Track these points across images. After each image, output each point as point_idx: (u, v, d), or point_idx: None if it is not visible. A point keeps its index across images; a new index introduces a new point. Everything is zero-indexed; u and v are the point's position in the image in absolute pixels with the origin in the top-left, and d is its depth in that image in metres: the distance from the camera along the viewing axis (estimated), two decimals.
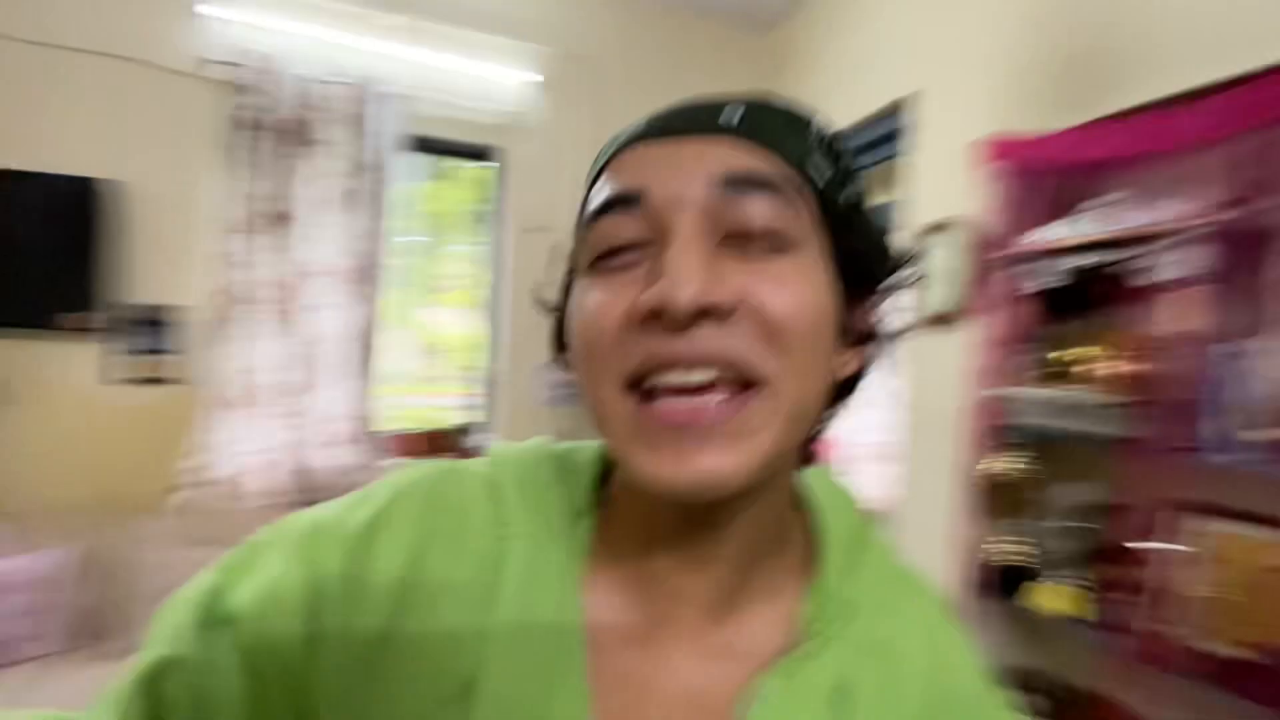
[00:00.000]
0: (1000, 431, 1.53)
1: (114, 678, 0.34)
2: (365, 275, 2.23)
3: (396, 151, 2.30)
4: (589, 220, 0.33)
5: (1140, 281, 1.30)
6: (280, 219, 2.13)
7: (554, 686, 0.32)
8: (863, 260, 0.35)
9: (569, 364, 0.37)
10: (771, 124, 0.33)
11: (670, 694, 0.34)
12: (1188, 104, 1.25)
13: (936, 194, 1.87)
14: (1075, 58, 1.50)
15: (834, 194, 0.33)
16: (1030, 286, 1.51)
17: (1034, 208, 1.58)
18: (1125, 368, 1.32)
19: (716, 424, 0.29)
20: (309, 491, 2.17)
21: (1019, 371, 1.52)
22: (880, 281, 0.36)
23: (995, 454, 1.53)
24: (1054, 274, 1.47)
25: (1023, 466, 1.52)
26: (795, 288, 0.30)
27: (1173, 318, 1.28)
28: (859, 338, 0.36)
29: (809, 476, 0.40)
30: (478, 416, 2.65)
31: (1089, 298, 1.47)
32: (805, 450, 0.37)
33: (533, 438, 0.44)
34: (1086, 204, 1.41)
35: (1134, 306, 1.36)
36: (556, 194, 2.50)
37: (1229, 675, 1.09)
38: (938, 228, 1.84)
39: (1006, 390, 1.51)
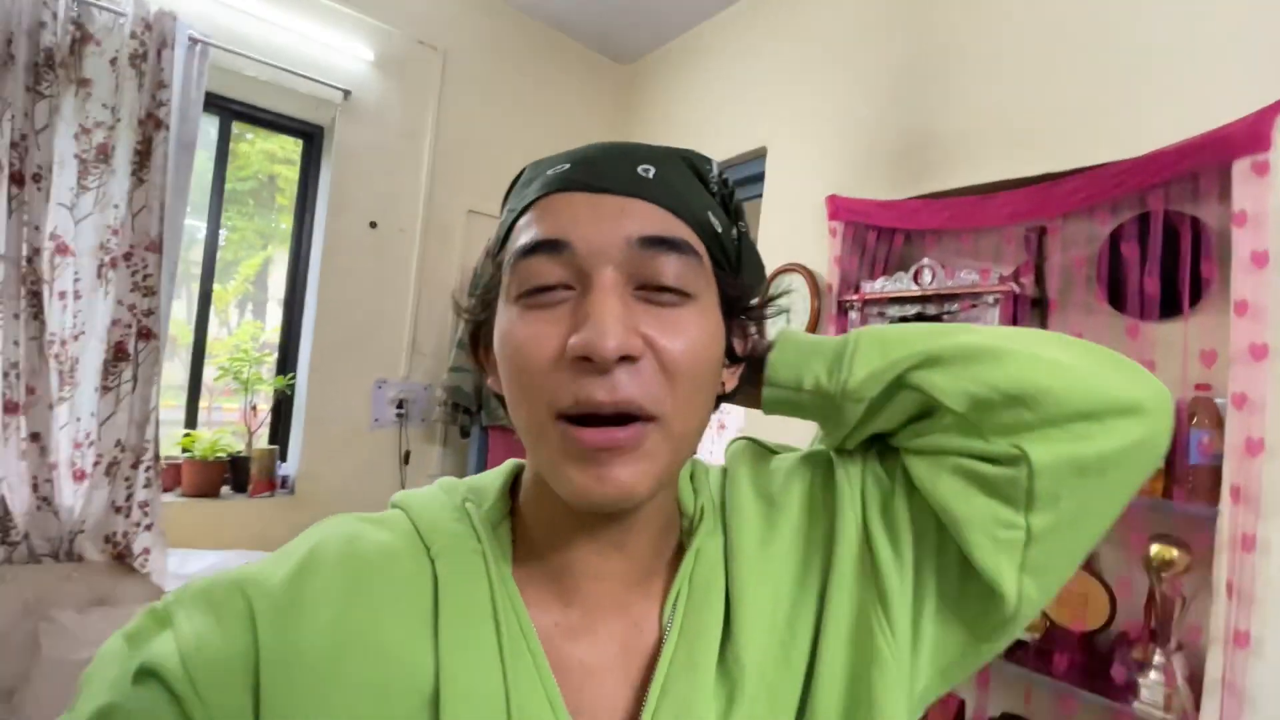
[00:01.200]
0: None
1: None
2: (139, 259, 1.77)
3: (191, 110, 1.88)
4: (518, 256, 0.37)
5: None
6: (23, 179, 1.60)
7: (518, 679, 0.35)
8: (745, 292, 0.43)
9: (486, 368, 0.44)
10: (680, 184, 0.39)
11: (607, 644, 0.40)
12: (990, 194, 1.57)
13: (783, 241, 2.09)
14: (908, 139, 1.80)
15: (726, 238, 0.41)
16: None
17: (869, 261, 1.86)
18: None
19: (626, 447, 0.35)
20: (53, 539, 1.65)
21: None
22: (757, 308, 0.45)
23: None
24: (885, 318, 1.74)
25: None
26: (690, 335, 0.37)
27: None
28: (739, 357, 0.45)
29: None
30: (273, 438, 2.25)
31: None
32: None
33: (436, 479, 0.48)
34: (911, 263, 1.69)
35: None
36: (380, 184, 2.26)
37: (1009, 652, 1.38)
38: (783, 271, 2.06)
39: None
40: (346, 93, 2.17)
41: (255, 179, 2.68)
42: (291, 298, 2.29)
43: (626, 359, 0.34)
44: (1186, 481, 1.28)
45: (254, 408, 2.17)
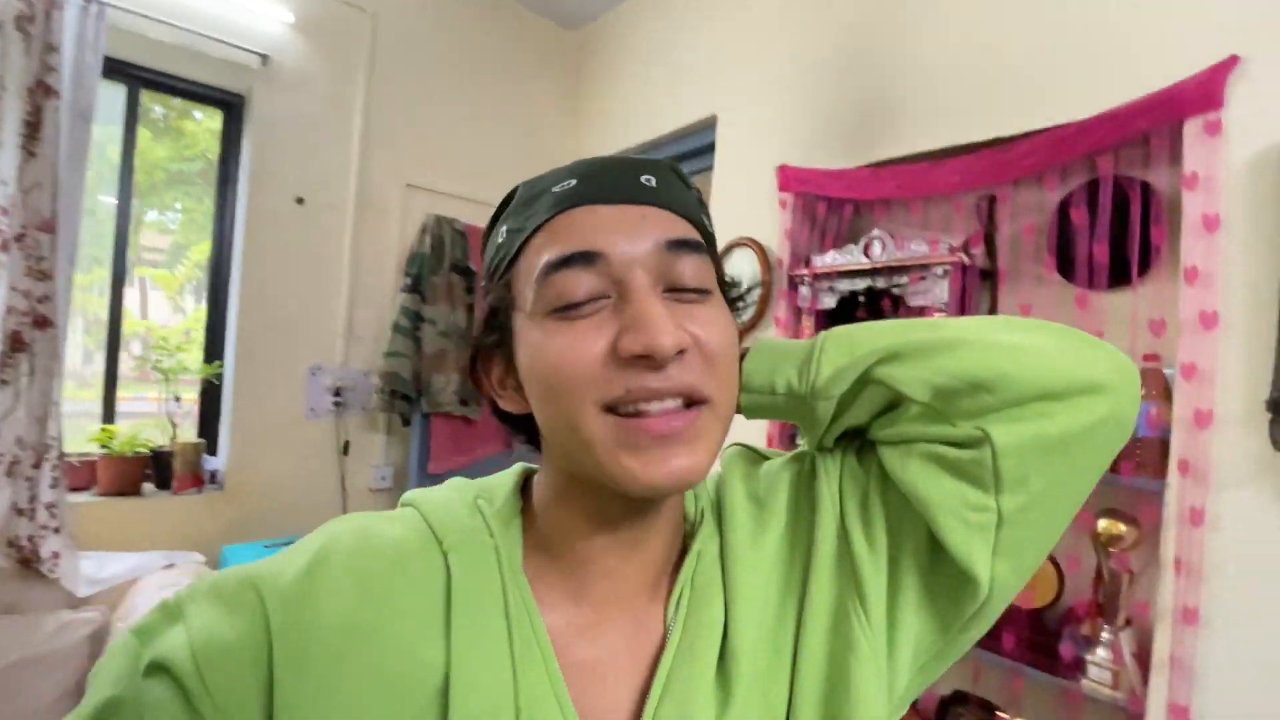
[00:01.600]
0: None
1: None
2: (32, 241, 1.61)
3: (87, 77, 1.71)
4: (548, 270, 0.38)
5: (906, 304, 1.55)
6: None
7: (527, 676, 0.36)
8: (731, 287, 0.46)
9: (492, 392, 0.45)
10: (678, 192, 0.42)
11: (614, 640, 0.41)
12: (939, 160, 1.51)
13: (734, 213, 2.01)
14: (857, 107, 1.72)
15: (714, 239, 0.45)
16: (817, 302, 1.70)
17: (819, 233, 1.79)
18: None
19: (683, 433, 0.36)
20: None
21: None
22: (738, 300, 0.48)
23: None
24: (835, 292, 1.68)
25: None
26: (719, 326, 0.39)
27: None
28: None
29: None
30: (202, 431, 2.12)
31: (867, 314, 1.71)
32: None
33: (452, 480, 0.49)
34: (862, 234, 1.63)
35: None
36: (306, 156, 2.11)
37: None
38: (735, 246, 1.98)
39: None
40: (264, 58, 2.02)
41: (204, 159, 2.51)
42: (216, 280, 2.15)
43: (679, 352, 0.36)
44: (1134, 455, 1.25)
45: (178, 399, 2.04)
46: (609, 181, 0.40)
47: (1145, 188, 1.29)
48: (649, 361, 0.35)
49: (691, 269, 0.39)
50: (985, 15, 1.48)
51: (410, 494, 0.46)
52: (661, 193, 0.40)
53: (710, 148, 2.15)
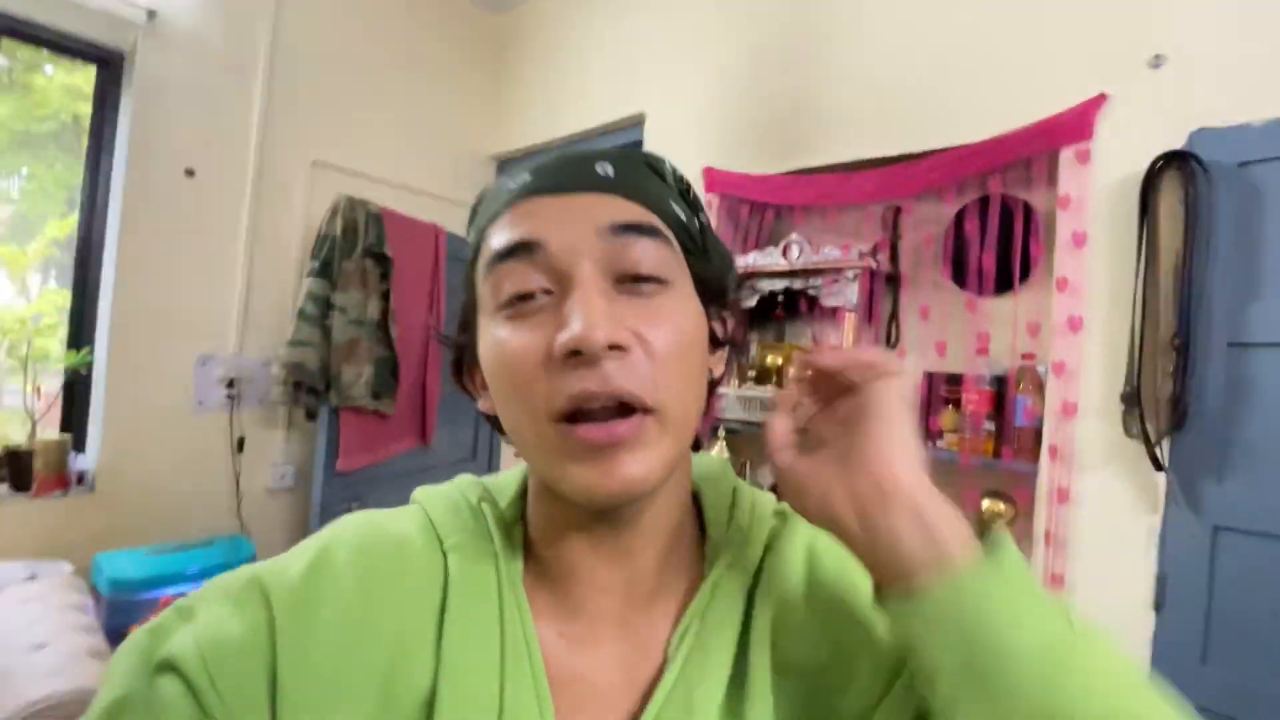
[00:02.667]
0: (712, 423, 1.77)
1: None
2: None
3: None
4: (492, 263, 0.37)
5: (820, 304, 1.66)
6: None
7: (516, 692, 0.35)
8: (716, 279, 0.42)
9: (474, 393, 0.43)
10: (637, 175, 0.39)
11: (608, 663, 0.39)
12: (853, 172, 1.63)
13: None
14: (780, 116, 1.81)
15: (691, 226, 0.41)
16: (739, 302, 1.78)
17: (742, 235, 1.87)
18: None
19: (625, 440, 0.34)
20: None
21: (729, 374, 1.78)
22: (730, 293, 0.44)
23: (709, 444, 1.77)
24: (756, 292, 1.76)
25: (728, 454, 1.78)
26: (674, 320, 0.37)
27: (838, 336, 1.67)
28: (722, 342, 0.44)
29: (695, 461, 0.47)
30: (66, 425, 1.89)
31: (784, 313, 1.81)
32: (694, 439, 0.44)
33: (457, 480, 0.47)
34: (781, 238, 1.72)
35: (817, 323, 1.72)
36: (197, 125, 1.93)
37: None
38: None
39: (719, 390, 1.76)
40: (151, 12, 1.82)
41: (57, 120, 2.20)
42: (85, 258, 1.91)
43: (616, 348, 0.34)
44: (1013, 441, 1.41)
45: (38, 391, 1.80)
46: (560, 172, 0.38)
47: (1027, 206, 1.46)
48: (581, 358, 0.33)
49: (647, 255, 0.36)
50: (897, 39, 1.61)
51: (419, 491, 0.45)
52: (618, 180, 0.38)
53: (638, 145, 2.18)
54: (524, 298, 0.36)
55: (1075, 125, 1.30)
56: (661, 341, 0.35)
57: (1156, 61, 1.23)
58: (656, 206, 0.39)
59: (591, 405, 0.34)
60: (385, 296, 2.09)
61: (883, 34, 1.63)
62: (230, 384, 2.01)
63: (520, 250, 0.36)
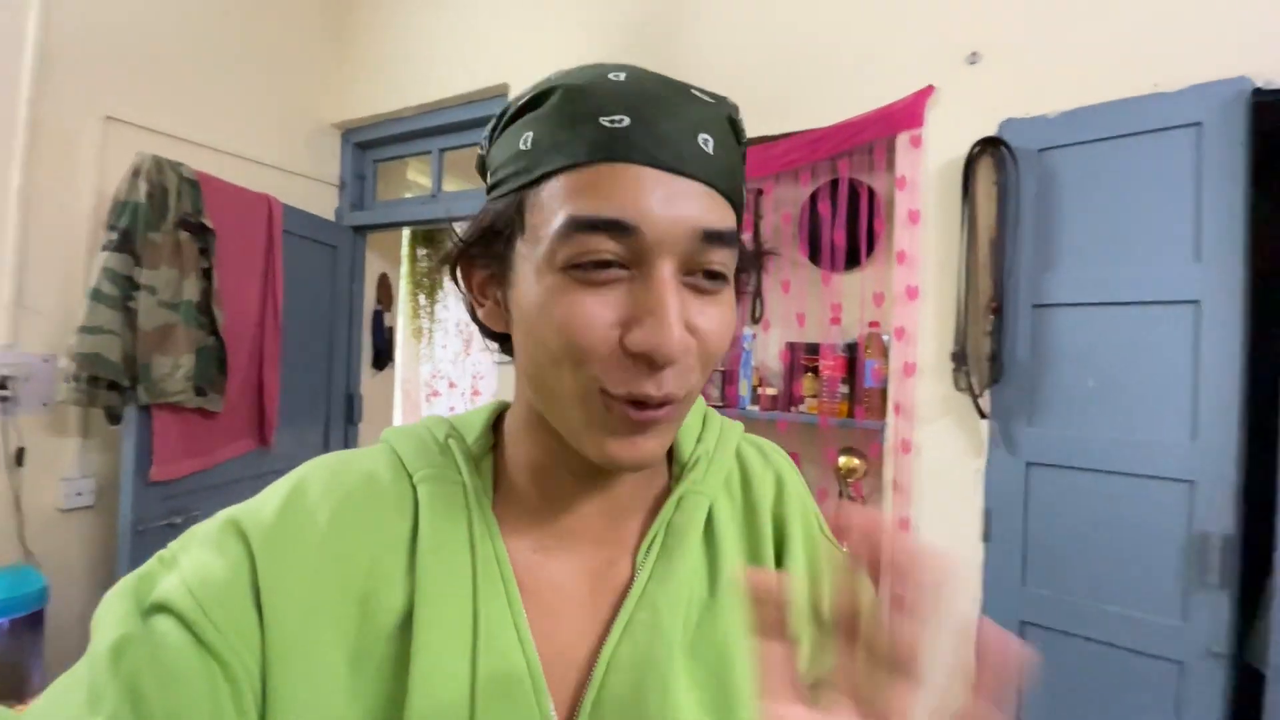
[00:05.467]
0: None
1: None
2: None
3: None
4: (573, 229, 0.34)
5: None
6: None
7: (489, 607, 0.37)
8: (747, 256, 0.42)
9: (473, 298, 0.42)
10: (730, 158, 0.37)
11: (578, 577, 0.42)
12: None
13: None
14: None
15: (743, 201, 0.41)
16: None
17: None
18: None
19: (658, 424, 0.37)
20: None
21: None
22: (751, 252, 0.44)
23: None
24: None
25: None
26: (724, 319, 0.38)
27: None
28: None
29: None
30: None
31: None
32: None
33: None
34: None
35: None
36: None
37: None
38: None
39: None
40: None
41: None
42: None
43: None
44: (864, 402, 1.54)
45: None
46: (663, 134, 0.35)
47: (870, 187, 1.60)
48: (650, 361, 0.34)
49: (720, 258, 0.36)
50: (757, 21, 1.68)
51: (386, 431, 0.47)
52: (716, 161, 0.36)
53: None
54: (600, 265, 0.35)
55: (908, 113, 1.45)
56: (714, 340, 0.37)
57: (973, 58, 1.39)
58: (737, 196, 0.39)
59: (647, 402, 0.36)
60: (207, 275, 1.82)
61: (742, 17, 1.69)
62: (2, 384, 1.63)
63: (611, 228, 0.34)
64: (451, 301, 4.12)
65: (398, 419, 4.05)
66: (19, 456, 1.68)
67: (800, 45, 1.61)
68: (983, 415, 1.36)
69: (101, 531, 1.84)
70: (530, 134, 0.37)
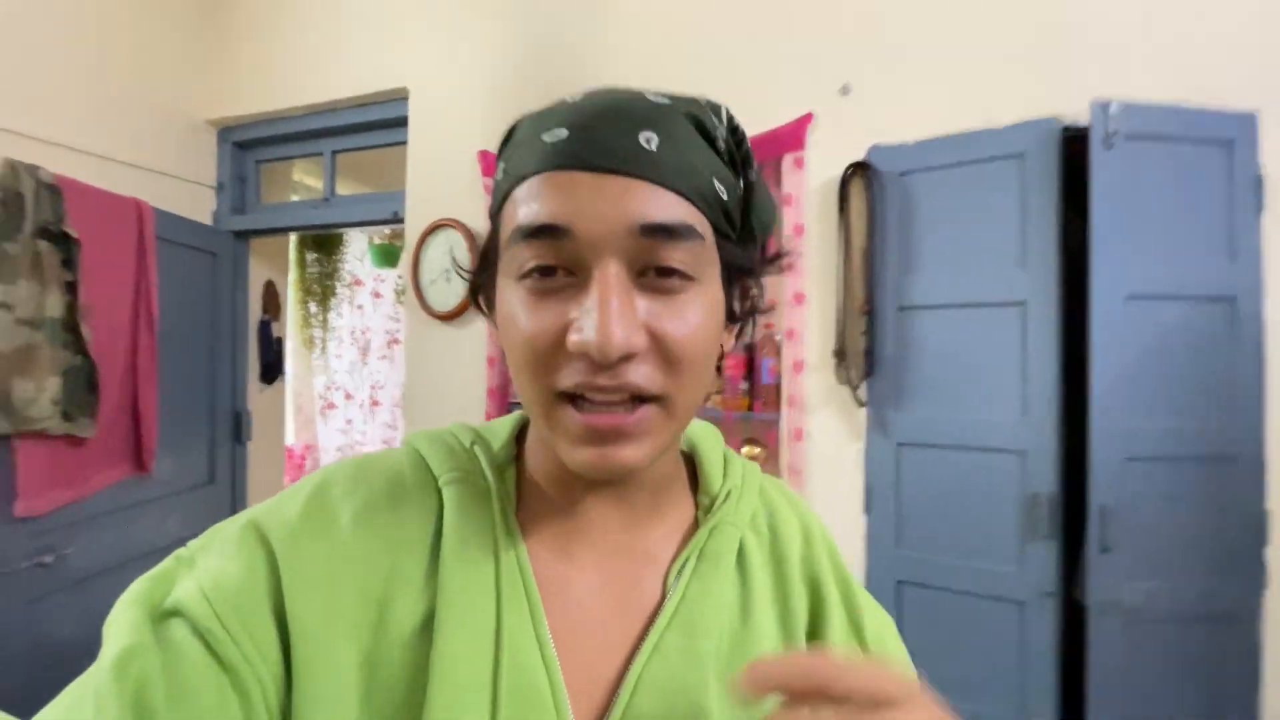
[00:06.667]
0: (508, 408, 1.79)
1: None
2: None
3: None
4: (518, 238, 0.36)
5: None
6: None
7: (512, 617, 0.37)
8: (747, 259, 0.41)
9: (493, 320, 0.43)
10: (685, 151, 0.36)
11: (603, 592, 0.41)
12: None
13: (436, 193, 1.97)
14: (555, 99, 1.86)
15: (732, 201, 0.38)
16: None
17: None
18: None
19: (626, 428, 0.35)
20: None
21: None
22: (760, 261, 0.43)
23: None
24: None
25: None
26: (693, 320, 0.36)
27: None
28: (741, 315, 0.43)
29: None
30: None
31: None
32: None
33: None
34: None
35: None
36: None
37: None
38: (437, 228, 1.95)
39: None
40: None
41: None
42: None
43: (627, 357, 0.34)
44: (762, 397, 1.70)
45: None
46: (600, 140, 0.35)
47: None
48: (590, 359, 0.34)
49: (677, 255, 0.35)
50: (662, 28, 1.78)
51: (412, 434, 0.46)
52: (659, 159, 0.35)
53: (401, 121, 2.05)
54: (544, 272, 0.35)
55: (791, 137, 1.61)
56: (679, 340, 0.35)
57: (845, 90, 1.58)
58: (697, 192, 0.36)
59: (597, 396, 0.34)
60: (71, 288, 1.66)
61: (643, 27, 1.78)
62: None
63: (545, 233, 0.34)
64: (346, 308, 3.93)
65: (290, 435, 3.81)
66: None
67: (693, 70, 1.73)
68: (860, 404, 1.55)
69: None
70: (503, 165, 0.40)
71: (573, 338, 0.34)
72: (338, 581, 0.36)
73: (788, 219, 1.63)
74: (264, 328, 2.54)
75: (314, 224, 2.37)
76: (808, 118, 1.60)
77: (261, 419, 2.52)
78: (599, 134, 0.35)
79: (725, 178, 0.38)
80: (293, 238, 3.16)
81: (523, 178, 0.37)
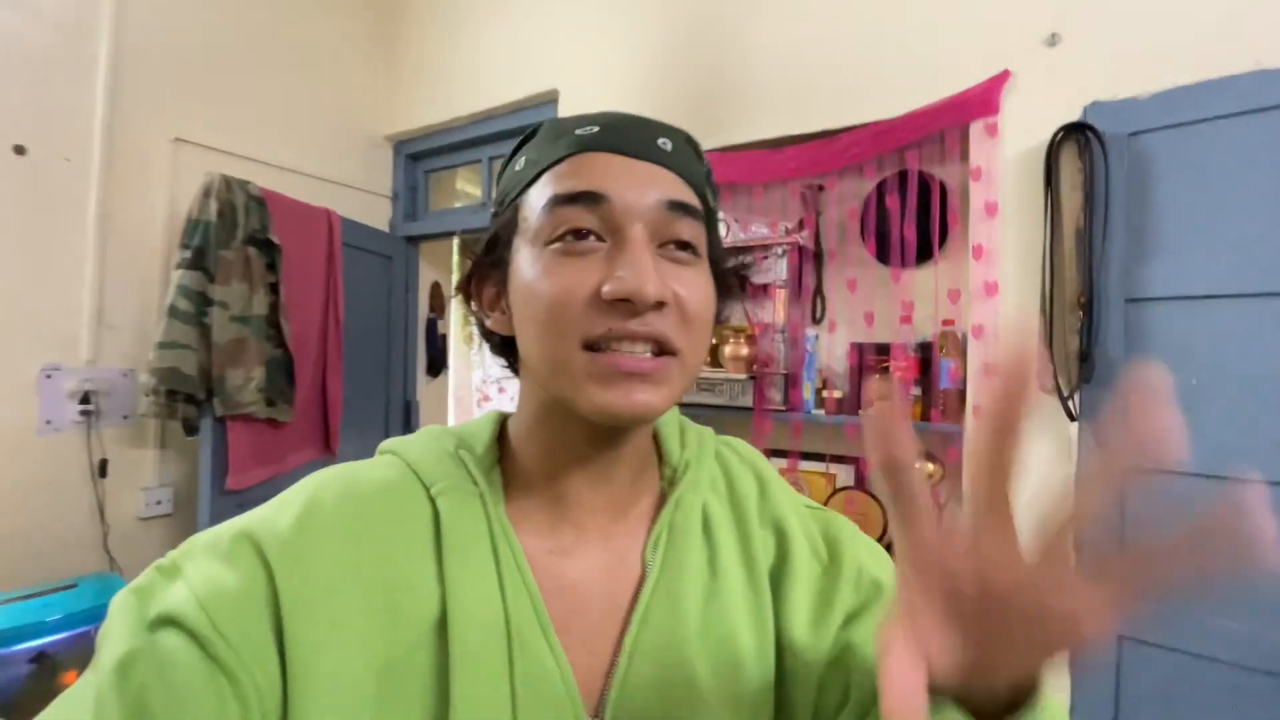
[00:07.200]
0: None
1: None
2: None
3: None
4: (556, 203, 0.40)
5: (750, 281, 1.66)
6: None
7: (516, 606, 0.40)
8: (721, 257, 0.47)
9: (481, 310, 0.48)
10: (689, 162, 0.45)
11: (592, 575, 0.44)
12: (777, 148, 1.64)
13: None
14: (703, 90, 1.79)
15: (711, 211, 0.46)
16: None
17: None
18: (743, 350, 1.66)
19: (649, 373, 0.39)
20: None
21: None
22: (728, 266, 0.49)
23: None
24: None
25: None
26: (701, 289, 0.42)
27: (768, 312, 1.68)
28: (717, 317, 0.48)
29: None
30: None
31: None
32: None
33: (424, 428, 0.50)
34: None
35: (749, 300, 1.72)
36: (23, 93, 1.63)
37: None
38: None
39: None
40: None
41: None
42: None
43: (658, 304, 0.39)
44: (939, 404, 1.47)
45: None
46: (628, 135, 0.42)
47: (941, 180, 1.53)
48: (629, 306, 0.38)
49: (688, 229, 0.42)
50: (816, 14, 1.63)
51: (389, 442, 0.48)
52: (674, 157, 0.43)
53: None
54: (579, 235, 0.40)
55: (982, 100, 1.38)
56: (692, 302, 0.41)
57: (1053, 40, 1.32)
58: (699, 189, 0.44)
59: (623, 343, 0.38)
60: (274, 289, 1.86)
61: (801, 10, 1.65)
62: (85, 399, 1.71)
63: (585, 199, 0.40)
64: None
65: (452, 424, 4.11)
66: (102, 468, 1.75)
67: (863, 35, 1.55)
68: (1072, 418, 1.28)
69: (179, 538, 1.89)
70: (524, 158, 0.45)
71: (611, 286, 0.38)
72: (339, 593, 0.37)
73: (976, 195, 1.39)
74: (431, 325, 2.74)
75: (472, 228, 2.49)
76: (1004, 76, 1.36)
77: (427, 409, 2.71)
78: (627, 131, 0.43)
79: (710, 189, 0.47)
80: (455, 241, 3.38)
81: (555, 161, 0.42)
